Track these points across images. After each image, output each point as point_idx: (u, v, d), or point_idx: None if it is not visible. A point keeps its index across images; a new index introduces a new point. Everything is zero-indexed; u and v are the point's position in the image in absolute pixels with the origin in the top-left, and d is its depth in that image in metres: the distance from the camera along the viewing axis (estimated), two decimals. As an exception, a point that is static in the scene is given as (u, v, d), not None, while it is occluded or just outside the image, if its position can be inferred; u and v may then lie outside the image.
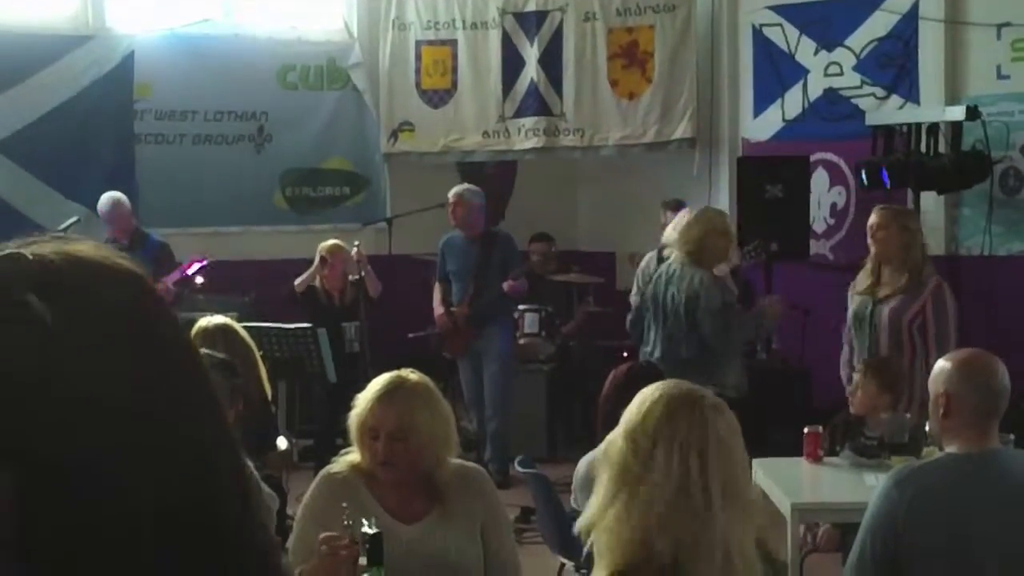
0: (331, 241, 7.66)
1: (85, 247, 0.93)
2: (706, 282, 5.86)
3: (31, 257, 0.89)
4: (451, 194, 7.87)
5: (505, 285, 7.63)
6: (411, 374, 3.35)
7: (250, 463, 2.54)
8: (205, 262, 7.52)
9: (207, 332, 4.44)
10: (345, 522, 3.04)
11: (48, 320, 0.85)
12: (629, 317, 6.47)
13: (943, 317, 5.55)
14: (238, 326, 4.66)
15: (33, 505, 0.84)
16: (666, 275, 6.05)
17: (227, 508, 0.92)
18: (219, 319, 4.65)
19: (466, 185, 8.08)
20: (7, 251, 0.89)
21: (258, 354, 4.66)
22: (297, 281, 7.53)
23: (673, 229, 6.28)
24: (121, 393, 0.87)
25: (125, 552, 0.86)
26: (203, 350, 3.86)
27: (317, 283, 7.58)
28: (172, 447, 0.89)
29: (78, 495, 0.85)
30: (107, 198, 7.75)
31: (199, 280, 7.62)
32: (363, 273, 7.31)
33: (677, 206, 8.17)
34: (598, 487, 2.37)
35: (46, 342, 0.85)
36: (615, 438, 2.38)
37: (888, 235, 5.72)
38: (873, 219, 5.82)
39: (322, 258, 7.47)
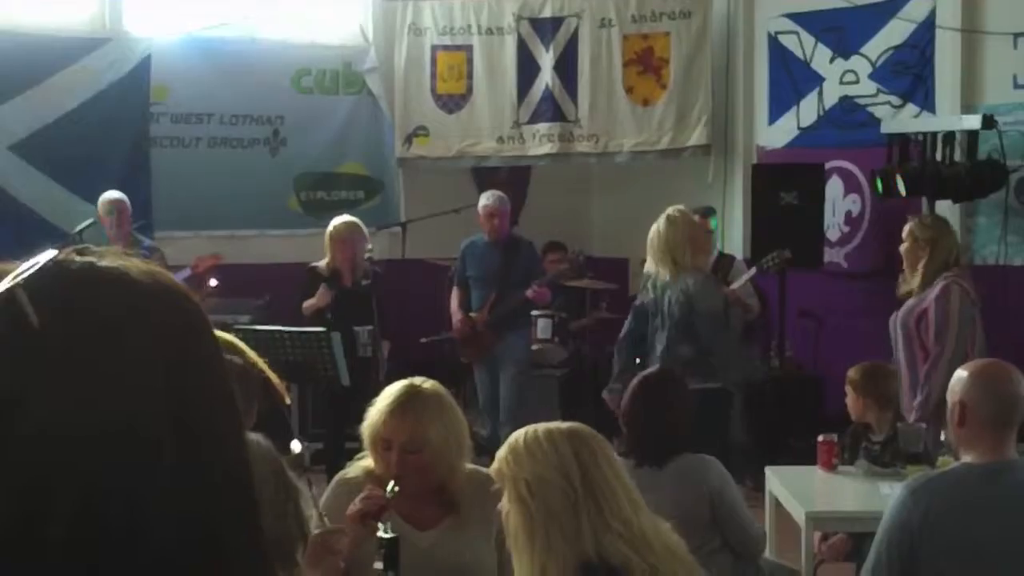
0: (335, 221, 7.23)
1: (118, 260, 0.92)
2: (699, 284, 5.97)
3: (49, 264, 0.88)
4: (487, 202, 7.65)
5: (530, 292, 7.54)
6: (424, 383, 3.33)
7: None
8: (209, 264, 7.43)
9: None
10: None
11: (35, 323, 0.84)
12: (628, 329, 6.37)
13: (942, 317, 5.53)
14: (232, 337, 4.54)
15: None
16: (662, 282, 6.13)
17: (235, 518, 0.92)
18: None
19: (496, 192, 7.80)
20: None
21: (261, 361, 4.53)
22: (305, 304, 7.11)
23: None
24: (102, 414, 0.85)
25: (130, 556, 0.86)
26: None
27: (324, 264, 7.18)
28: (170, 463, 0.87)
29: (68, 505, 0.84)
30: (116, 196, 7.56)
31: (213, 283, 7.58)
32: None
33: (706, 213, 8.12)
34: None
35: (32, 349, 0.84)
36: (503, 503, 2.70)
37: (904, 248, 5.81)
38: None
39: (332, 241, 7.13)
